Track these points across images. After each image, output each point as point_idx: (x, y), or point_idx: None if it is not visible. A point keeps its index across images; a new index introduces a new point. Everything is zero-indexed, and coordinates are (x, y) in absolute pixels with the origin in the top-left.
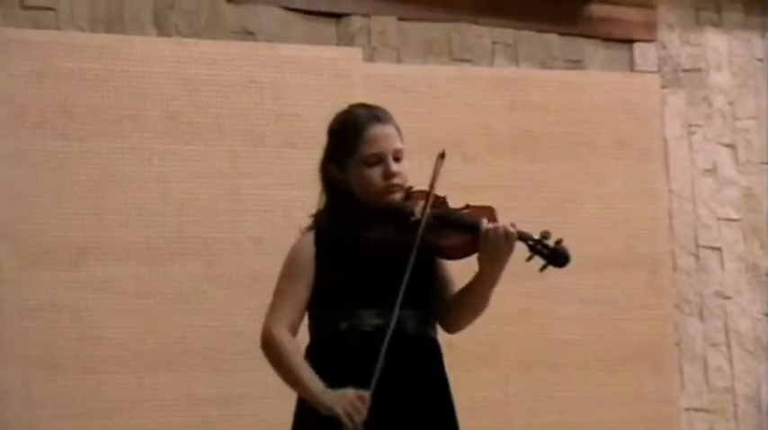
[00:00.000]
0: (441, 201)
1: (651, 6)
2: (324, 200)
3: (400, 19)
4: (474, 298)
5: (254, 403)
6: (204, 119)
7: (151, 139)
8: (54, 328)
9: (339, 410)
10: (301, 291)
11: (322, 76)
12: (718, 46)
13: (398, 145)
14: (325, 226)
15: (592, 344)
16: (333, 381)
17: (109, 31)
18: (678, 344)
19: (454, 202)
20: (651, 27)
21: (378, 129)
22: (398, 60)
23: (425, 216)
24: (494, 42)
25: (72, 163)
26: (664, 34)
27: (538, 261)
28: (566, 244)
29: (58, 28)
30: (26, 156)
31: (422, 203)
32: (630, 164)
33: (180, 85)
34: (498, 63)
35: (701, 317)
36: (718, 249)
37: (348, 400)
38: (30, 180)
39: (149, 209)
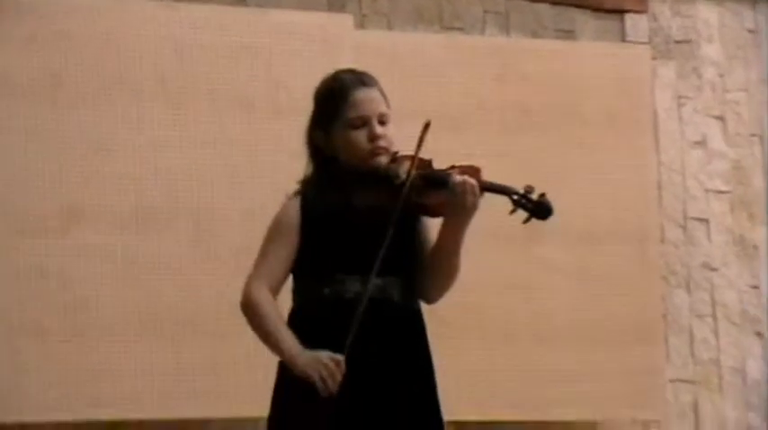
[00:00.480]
0: (426, 164)
1: None
2: (310, 166)
3: None
4: (440, 258)
5: (241, 371)
6: (194, 83)
7: (141, 105)
8: (42, 295)
9: (314, 375)
10: (285, 253)
11: (313, 43)
12: (709, 18)
13: (383, 109)
14: (311, 192)
15: (578, 316)
16: (314, 347)
17: None
18: (664, 316)
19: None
20: None
21: (362, 93)
22: (389, 28)
23: (411, 177)
24: (485, 11)
25: (61, 129)
26: (655, 5)
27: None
28: (551, 205)
29: None
30: (15, 121)
31: (407, 165)
32: (619, 135)
33: (170, 48)
34: (489, 32)
35: (688, 289)
36: (706, 221)
37: (323, 364)
38: (19, 145)
39: (139, 175)
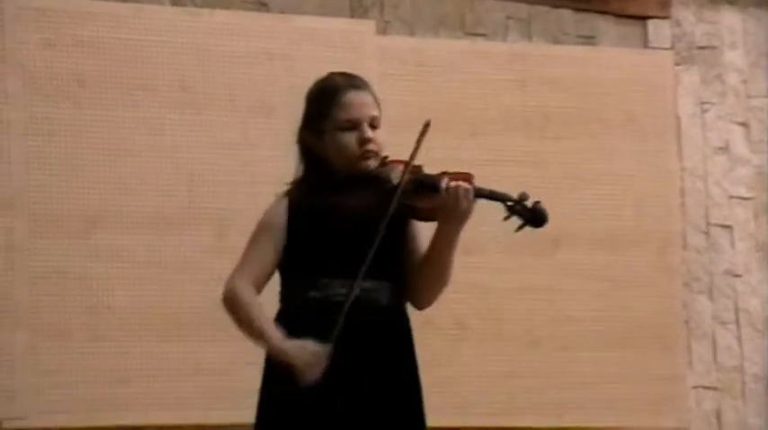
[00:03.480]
0: (417, 169)
1: None
2: (301, 168)
3: None
4: (432, 265)
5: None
6: (216, 89)
7: (163, 109)
8: (63, 296)
9: (299, 362)
10: (270, 251)
11: (335, 48)
12: (733, 24)
13: (375, 113)
14: (299, 193)
15: (600, 322)
16: None
17: (123, 0)
18: (687, 323)
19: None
20: (665, 4)
21: (354, 96)
22: (411, 34)
23: (403, 181)
24: (507, 17)
25: (83, 132)
26: (678, 11)
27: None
28: (546, 209)
29: None
30: (38, 124)
31: (398, 169)
32: (642, 141)
33: (192, 55)
34: (511, 38)
35: (711, 295)
36: (729, 227)
37: (307, 352)
38: (41, 148)
39: (160, 178)
